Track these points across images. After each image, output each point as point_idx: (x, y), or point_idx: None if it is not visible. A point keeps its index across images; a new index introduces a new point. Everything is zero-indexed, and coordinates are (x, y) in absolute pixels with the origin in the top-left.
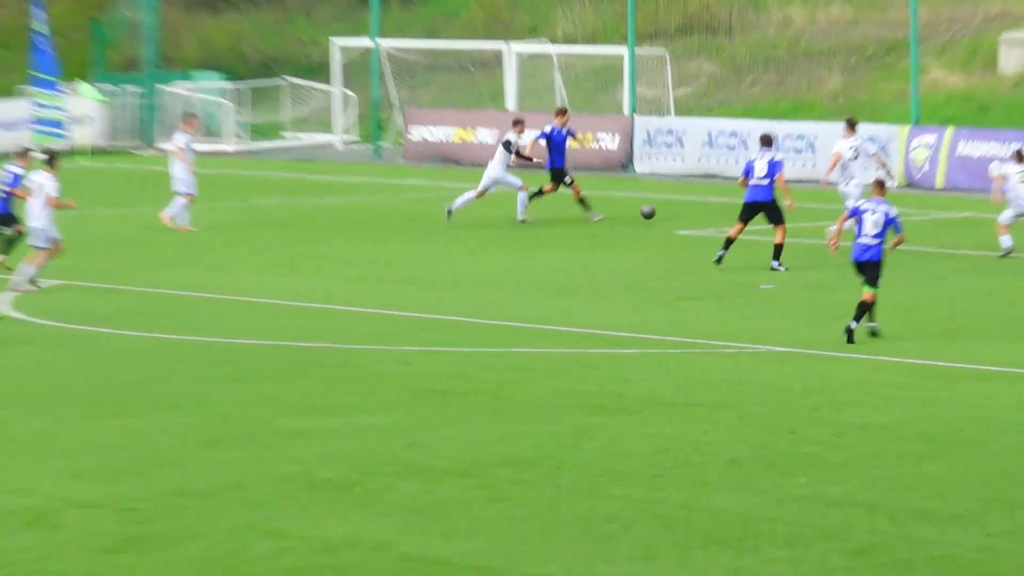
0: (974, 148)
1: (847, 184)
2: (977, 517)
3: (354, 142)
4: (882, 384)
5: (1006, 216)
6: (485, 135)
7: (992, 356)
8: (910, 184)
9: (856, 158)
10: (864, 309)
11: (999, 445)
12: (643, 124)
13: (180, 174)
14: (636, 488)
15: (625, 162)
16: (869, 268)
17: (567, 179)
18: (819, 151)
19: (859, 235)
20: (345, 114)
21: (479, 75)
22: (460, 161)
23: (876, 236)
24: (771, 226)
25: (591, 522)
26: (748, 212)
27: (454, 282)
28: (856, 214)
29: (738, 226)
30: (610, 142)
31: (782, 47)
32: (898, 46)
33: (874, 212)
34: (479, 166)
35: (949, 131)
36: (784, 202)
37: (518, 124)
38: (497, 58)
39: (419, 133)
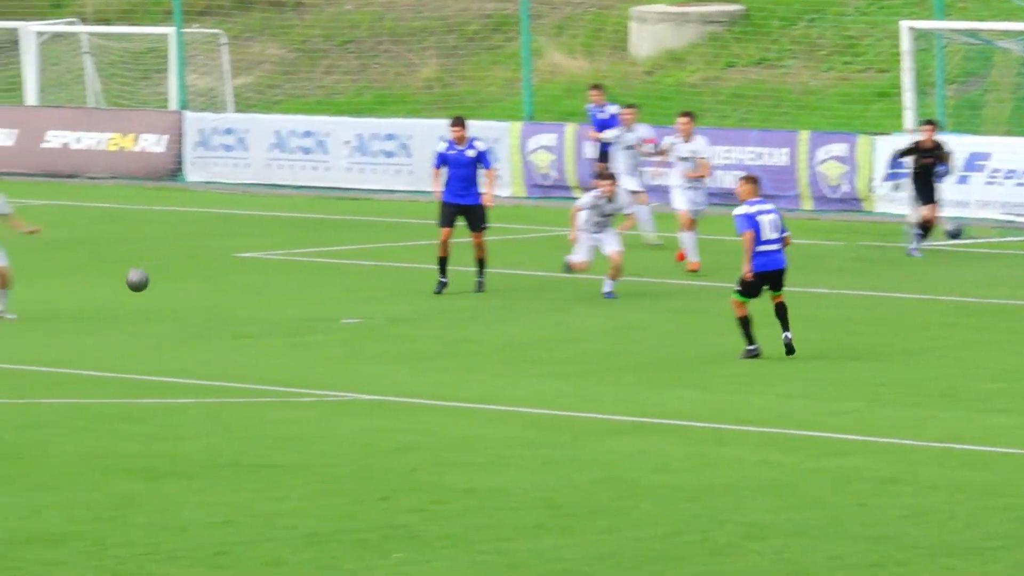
0: None
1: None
2: None
3: None
4: (494, 440)
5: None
6: (3, 137)
7: (628, 405)
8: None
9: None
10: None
11: (637, 514)
12: (195, 122)
13: None
14: (194, 569)
15: (174, 169)
16: (779, 275)
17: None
18: (415, 153)
19: (759, 242)
20: None
21: None
22: None
23: (778, 241)
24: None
25: None
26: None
27: None
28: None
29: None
30: (154, 144)
31: (364, 26)
32: (507, 23)
33: (768, 213)
34: None
35: (571, 128)
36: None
37: None
38: (12, 40)
39: None
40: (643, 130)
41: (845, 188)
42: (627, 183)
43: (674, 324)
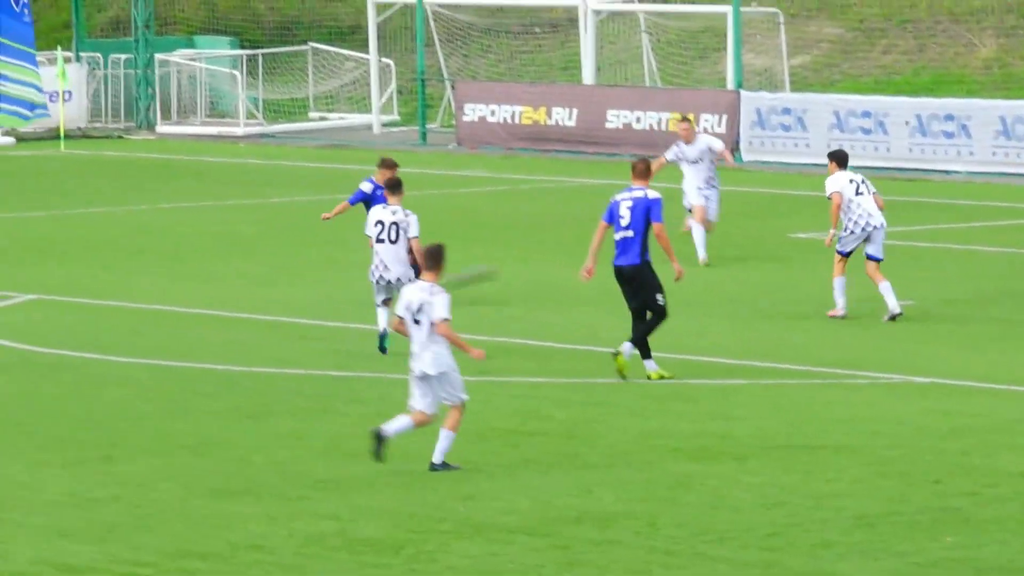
0: None
1: None
2: None
3: (394, 123)
4: None
5: None
6: (561, 115)
7: None
8: None
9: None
10: None
11: None
12: (752, 101)
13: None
14: (745, 551)
15: (731, 149)
16: None
17: None
18: (973, 134)
19: None
20: (383, 89)
21: (548, 40)
22: (528, 147)
23: None
24: None
25: None
26: None
27: (518, 297)
28: None
29: None
30: (712, 124)
31: (922, 5)
32: None
33: None
34: (553, 153)
35: None
36: None
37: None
38: (571, 19)
39: (475, 112)
40: None
41: None
42: None
43: None
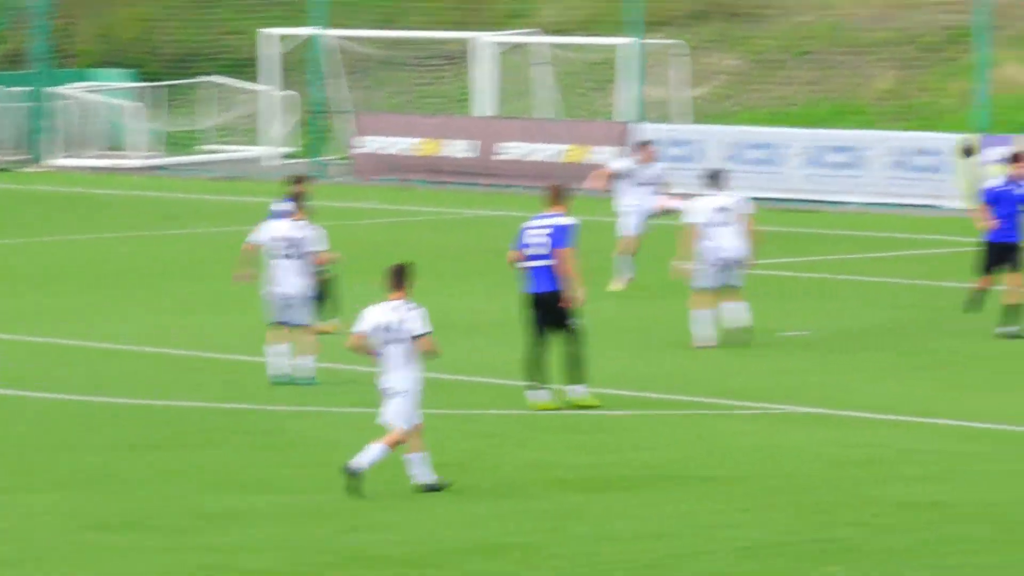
0: None
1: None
2: None
3: (291, 155)
4: (937, 453)
5: None
6: (457, 147)
7: None
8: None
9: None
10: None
11: None
12: (649, 133)
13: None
14: None
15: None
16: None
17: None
18: (868, 165)
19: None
20: (280, 121)
21: (447, 72)
22: (425, 179)
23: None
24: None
25: None
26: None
27: None
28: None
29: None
30: (608, 155)
31: (821, 37)
32: (964, 35)
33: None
34: (448, 185)
35: None
36: None
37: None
38: (469, 51)
39: (372, 144)
40: None
41: None
42: None
43: None
